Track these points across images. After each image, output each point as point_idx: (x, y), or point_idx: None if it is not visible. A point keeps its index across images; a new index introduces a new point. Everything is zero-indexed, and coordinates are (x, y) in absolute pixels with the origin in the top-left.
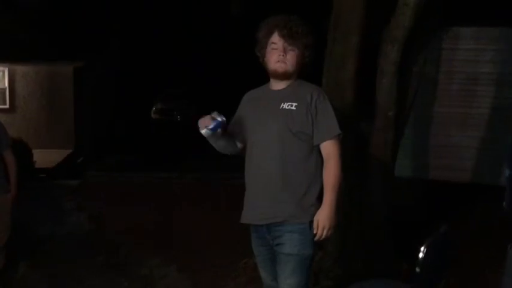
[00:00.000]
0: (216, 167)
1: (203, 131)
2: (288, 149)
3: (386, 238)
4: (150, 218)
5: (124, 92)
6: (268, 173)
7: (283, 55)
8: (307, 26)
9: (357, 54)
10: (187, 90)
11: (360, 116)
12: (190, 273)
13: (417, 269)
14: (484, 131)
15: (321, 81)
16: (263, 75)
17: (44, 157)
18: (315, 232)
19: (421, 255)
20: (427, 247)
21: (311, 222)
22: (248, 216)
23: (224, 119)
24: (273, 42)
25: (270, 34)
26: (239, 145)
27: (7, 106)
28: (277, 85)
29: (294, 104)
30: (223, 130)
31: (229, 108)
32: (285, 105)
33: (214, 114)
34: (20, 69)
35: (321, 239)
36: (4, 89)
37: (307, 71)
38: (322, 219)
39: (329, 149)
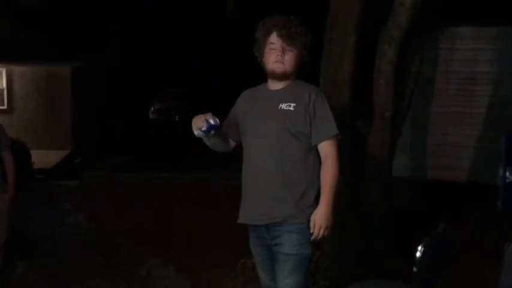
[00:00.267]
0: (215, 167)
1: (195, 132)
2: (287, 149)
3: (384, 238)
4: (149, 218)
5: (122, 92)
6: (267, 172)
7: (281, 55)
8: (306, 26)
9: (353, 54)
10: (187, 90)
11: (357, 116)
12: (189, 274)
13: (415, 269)
14: (482, 130)
15: (318, 81)
16: (262, 76)
17: (42, 157)
18: (311, 232)
19: (418, 254)
20: (424, 246)
21: (309, 222)
22: (247, 216)
23: (218, 122)
24: (271, 43)
25: (268, 34)
26: (232, 143)
27: (5, 107)
28: (275, 85)
29: (292, 105)
30: (217, 132)
31: (228, 108)
32: (283, 106)
33: (208, 116)
34: (18, 69)
35: (318, 238)
36: (2, 90)
37: (305, 71)
38: (319, 218)
39: (327, 149)
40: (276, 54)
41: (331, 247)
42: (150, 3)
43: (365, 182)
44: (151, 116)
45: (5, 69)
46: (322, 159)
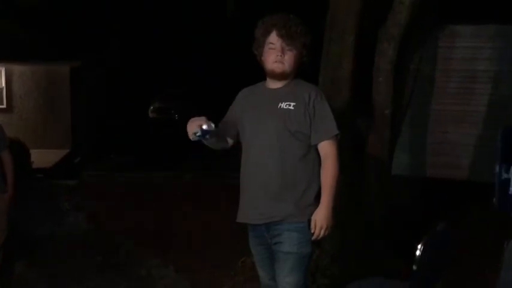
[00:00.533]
0: (215, 166)
1: (190, 137)
2: (286, 148)
3: (384, 238)
4: (148, 217)
5: (122, 92)
6: (266, 172)
7: (281, 55)
8: (305, 26)
9: (353, 53)
10: (187, 90)
11: (356, 115)
12: (189, 273)
13: (414, 267)
14: (481, 128)
15: (318, 80)
16: (262, 75)
17: (41, 157)
18: (312, 232)
19: (418, 253)
20: (424, 245)
21: (309, 220)
22: (246, 215)
23: (213, 126)
24: (270, 42)
25: (267, 33)
26: (230, 141)
27: (4, 106)
28: (274, 84)
29: (292, 104)
30: (212, 136)
31: (227, 109)
32: (283, 105)
33: (203, 121)
34: (17, 68)
35: (318, 238)
36: (1, 89)
37: (304, 70)
38: (320, 219)
39: (327, 149)
40: (276, 54)
41: (331, 246)
42: (150, 3)
43: (365, 182)
44: (150, 114)
45: (4, 69)
46: (322, 158)
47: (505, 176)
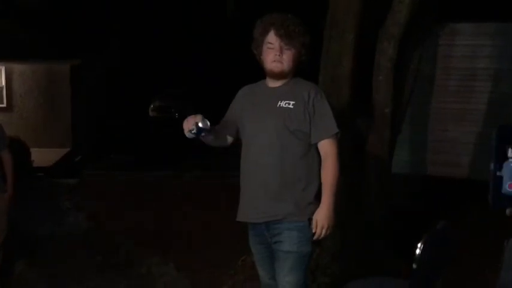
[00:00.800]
0: (215, 165)
1: (186, 134)
2: (286, 147)
3: (384, 237)
4: (149, 216)
5: (122, 92)
6: (266, 171)
7: (279, 55)
8: (304, 25)
9: (353, 52)
10: (186, 90)
11: (356, 114)
12: (189, 272)
13: (414, 266)
14: (481, 126)
15: (318, 78)
16: (262, 75)
17: (41, 156)
18: (313, 231)
19: (418, 251)
20: (424, 243)
21: (310, 219)
22: (246, 214)
23: (208, 124)
24: (269, 42)
25: (266, 33)
26: (229, 139)
27: (4, 105)
28: (274, 83)
29: (292, 103)
30: (208, 133)
31: (227, 109)
32: (283, 104)
33: (198, 119)
34: (17, 67)
35: (320, 238)
36: (1, 88)
37: (304, 69)
38: (321, 218)
39: (327, 147)
40: (274, 54)
41: (332, 244)
42: (150, 3)
43: (365, 182)
44: (151, 113)
45: (4, 67)
46: (322, 157)
47: (498, 174)
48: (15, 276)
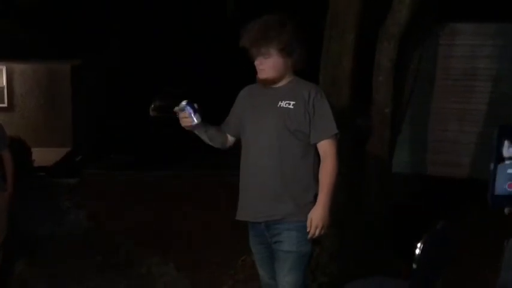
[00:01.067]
0: (215, 165)
1: (194, 123)
2: (286, 147)
3: (384, 237)
4: (149, 216)
5: (122, 92)
6: (266, 171)
7: (259, 64)
8: (279, 24)
9: (353, 52)
10: (186, 90)
11: (356, 114)
12: (189, 272)
13: (414, 266)
14: (481, 126)
15: (318, 78)
16: None
17: (42, 155)
18: (308, 231)
19: (417, 251)
20: (424, 243)
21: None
22: (246, 214)
23: (195, 107)
24: (250, 53)
25: (243, 45)
26: (231, 139)
27: (5, 105)
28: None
29: (292, 103)
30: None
31: (228, 108)
32: (283, 104)
33: (181, 107)
34: (18, 67)
35: (314, 237)
36: (2, 88)
37: (304, 69)
38: (316, 218)
39: (326, 148)
40: (256, 63)
41: (331, 244)
42: (150, 3)
43: (365, 181)
44: (151, 113)
45: (5, 67)
46: (321, 158)
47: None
48: (15, 276)
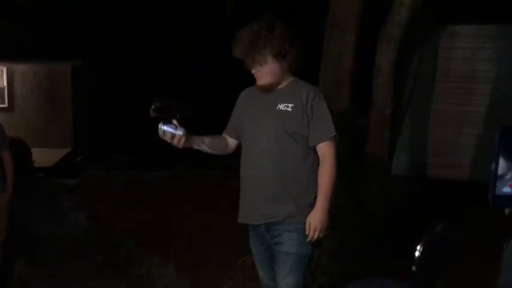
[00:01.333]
0: (215, 166)
1: (181, 135)
2: (285, 149)
3: (384, 238)
4: (149, 217)
5: (123, 92)
6: (266, 174)
7: (256, 72)
8: (268, 30)
9: (353, 53)
10: (187, 90)
11: (356, 115)
12: (189, 273)
13: (413, 268)
14: (481, 128)
15: (318, 79)
16: None
17: (42, 156)
18: (306, 233)
19: (417, 254)
20: (423, 246)
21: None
22: (247, 216)
23: (181, 132)
24: (245, 63)
25: (237, 57)
26: (232, 143)
27: (6, 105)
28: None
29: (290, 105)
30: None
31: (228, 108)
32: (281, 106)
33: (161, 132)
34: (18, 68)
35: (313, 240)
36: (3, 88)
37: (304, 70)
38: (314, 221)
39: (324, 150)
40: (253, 72)
41: (331, 244)
42: (150, 3)
43: (365, 182)
44: (152, 114)
45: (5, 68)
46: (320, 160)
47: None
48: (15, 276)
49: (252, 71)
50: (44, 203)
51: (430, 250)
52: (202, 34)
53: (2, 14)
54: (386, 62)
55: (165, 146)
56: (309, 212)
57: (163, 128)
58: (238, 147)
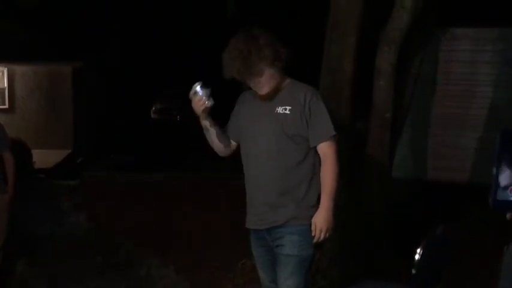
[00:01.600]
0: (215, 167)
1: (209, 105)
2: (285, 152)
3: (384, 238)
4: (149, 218)
5: (123, 92)
6: (266, 176)
7: (257, 83)
8: (253, 42)
9: (353, 55)
10: (187, 90)
11: (357, 117)
12: (189, 274)
13: (413, 271)
14: (482, 131)
15: (318, 81)
16: None
17: (43, 157)
18: (312, 235)
19: (417, 256)
20: (423, 248)
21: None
22: (250, 221)
23: (198, 87)
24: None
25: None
26: (233, 144)
27: (6, 106)
28: None
29: (288, 108)
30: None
31: (228, 108)
32: (280, 109)
33: (194, 91)
34: (19, 69)
35: (319, 241)
36: (3, 89)
37: (304, 71)
38: (320, 221)
39: (325, 150)
40: (253, 86)
41: (331, 246)
42: (150, 3)
43: (365, 183)
44: (152, 115)
45: (6, 69)
46: (321, 160)
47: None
48: (15, 276)
49: (251, 86)
50: (44, 203)
51: (430, 253)
52: (202, 34)
53: (2, 14)
54: (386, 65)
55: (166, 147)
56: (311, 214)
57: (198, 89)
58: (235, 151)
